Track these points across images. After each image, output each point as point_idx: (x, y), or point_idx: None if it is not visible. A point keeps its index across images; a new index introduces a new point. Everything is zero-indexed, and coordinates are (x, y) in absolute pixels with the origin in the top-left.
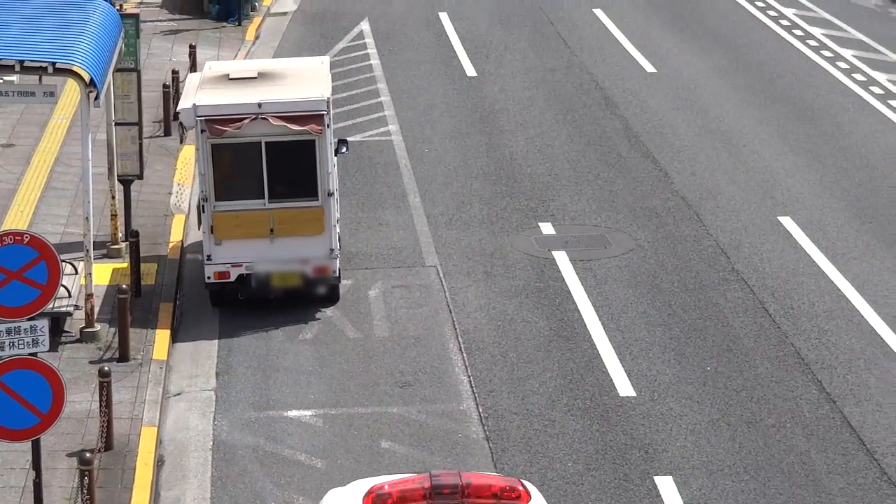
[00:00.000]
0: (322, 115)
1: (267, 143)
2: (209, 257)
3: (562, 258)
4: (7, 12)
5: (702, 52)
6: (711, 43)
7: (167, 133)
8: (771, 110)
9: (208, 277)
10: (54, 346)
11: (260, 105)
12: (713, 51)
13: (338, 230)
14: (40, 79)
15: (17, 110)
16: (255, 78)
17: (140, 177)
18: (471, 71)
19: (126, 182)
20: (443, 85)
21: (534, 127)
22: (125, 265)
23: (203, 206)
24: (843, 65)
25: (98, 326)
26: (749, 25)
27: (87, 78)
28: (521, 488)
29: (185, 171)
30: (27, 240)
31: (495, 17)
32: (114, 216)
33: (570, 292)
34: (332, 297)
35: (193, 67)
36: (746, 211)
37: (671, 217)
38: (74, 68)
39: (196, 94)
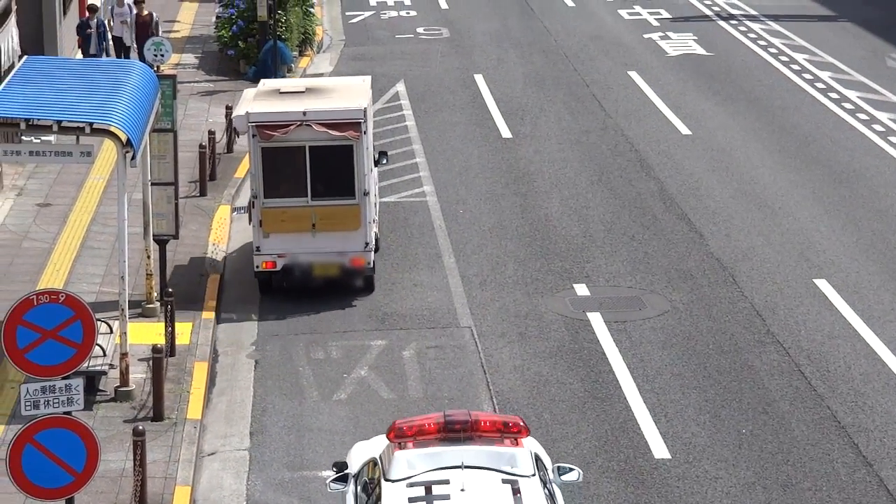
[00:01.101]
0: (359, 122)
1: (310, 147)
2: (258, 249)
3: (596, 320)
4: (45, 74)
5: (737, 114)
6: (746, 105)
7: (203, 193)
8: (806, 173)
9: (257, 267)
10: (89, 405)
11: (305, 113)
12: (748, 113)
13: (375, 228)
14: (77, 139)
15: (55, 170)
16: (303, 92)
17: (175, 236)
18: (506, 132)
19: (161, 242)
20: (478, 146)
21: (568, 188)
22: (160, 324)
23: (253, 203)
24: (878, 128)
25: (132, 385)
26: (784, 88)
27: (123, 138)
28: (522, 424)
29: (220, 231)
30: (63, 299)
31: (530, 79)
32: (149, 276)
33: (604, 354)
34: (368, 287)
35: (230, 128)
36: (782, 273)
37: (706, 279)
38: (112, 129)
39: (250, 104)
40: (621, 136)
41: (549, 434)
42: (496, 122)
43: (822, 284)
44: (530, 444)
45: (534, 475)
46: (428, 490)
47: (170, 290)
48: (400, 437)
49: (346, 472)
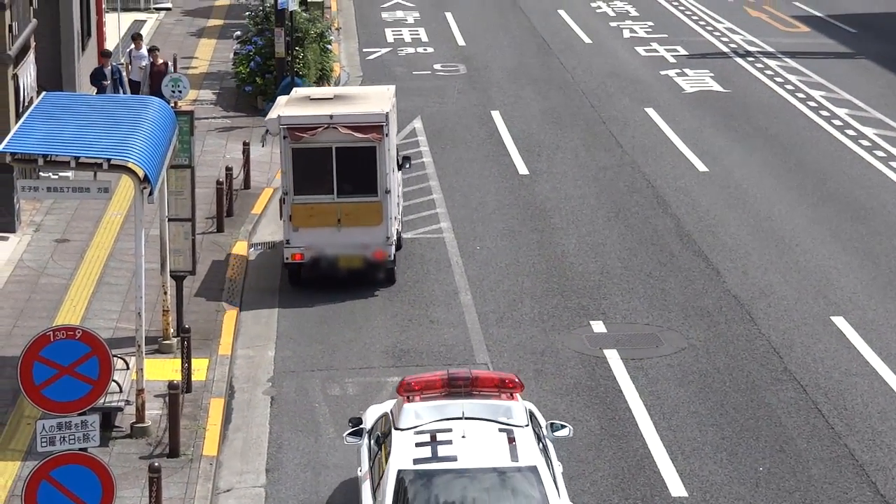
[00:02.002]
0: (381, 125)
1: (336, 149)
2: (287, 242)
3: (613, 357)
4: (63, 110)
5: (753, 151)
6: (763, 142)
7: (220, 229)
8: (823, 209)
9: (286, 259)
10: (105, 442)
11: (331, 117)
12: (765, 150)
13: (396, 225)
14: (95, 175)
15: (72, 206)
16: (331, 98)
17: (192, 272)
18: (523, 169)
19: (178, 278)
20: (495, 183)
21: (585, 225)
22: (176, 361)
23: (284, 199)
24: None
25: (149, 422)
26: (801, 125)
27: (141, 174)
28: (517, 381)
29: (237, 267)
30: (79, 335)
31: (547, 116)
32: (166, 312)
33: (621, 391)
34: (389, 279)
35: (247, 164)
36: (799, 311)
37: (723, 316)
38: (129, 165)
39: (282, 109)
40: (638, 172)
41: (566, 471)
42: (513, 158)
43: (840, 322)
44: (525, 402)
45: (527, 426)
46: (433, 437)
47: (186, 326)
48: (409, 391)
49: (360, 427)
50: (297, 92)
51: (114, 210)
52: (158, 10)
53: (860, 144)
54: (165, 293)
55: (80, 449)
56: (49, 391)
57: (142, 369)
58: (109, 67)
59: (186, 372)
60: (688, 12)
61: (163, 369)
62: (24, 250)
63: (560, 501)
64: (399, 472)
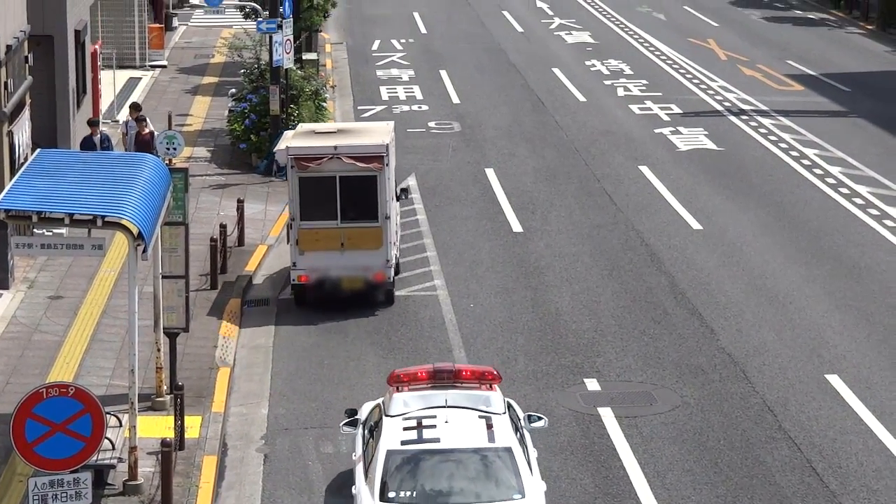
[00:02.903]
0: (382, 156)
1: (340, 177)
2: (294, 264)
3: (607, 415)
4: (58, 167)
5: (747, 209)
6: (757, 200)
7: (213, 286)
8: (817, 268)
9: (293, 280)
10: (97, 499)
11: (335, 148)
12: (759, 208)
13: (395, 250)
14: (89, 232)
15: (66, 262)
16: (335, 132)
17: (186, 330)
18: (517, 227)
19: (171, 335)
20: (489, 240)
21: (579, 283)
22: (169, 418)
23: (291, 225)
24: (889, 223)
25: (141, 479)
26: (794, 183)
27: (135, 231)
28: (495, 373)
29: (230, 325)
30: (72, 392)
31: (541, 174)
32: (159, 369)
33: (615, 449)
34: (388, 300)
35: (241, 221)
36: (793, 369)
37: (717, 374)
38: (123, 221)
39: (290, 141)
40: (632, 230)
41: None
42: (507, 216)
43: (834, 380)
44: (503, 395)
45: (504, 413)
46: (419, 423)
47: (179, 383)
48: (397, 382)
49: (355, 418)
50: (303, 127)
51: (107, 267)
52: (153, 67)
53: (854, 203)
54: (159, 350)
55: None
56: (41, 448)
57: (134, 426)
58: (98, 136)
59: (179, 429)
60: (682, 70)
61: (156, 426)
62: (17, 307)
63: (532, 479)
64: (388, 451)
